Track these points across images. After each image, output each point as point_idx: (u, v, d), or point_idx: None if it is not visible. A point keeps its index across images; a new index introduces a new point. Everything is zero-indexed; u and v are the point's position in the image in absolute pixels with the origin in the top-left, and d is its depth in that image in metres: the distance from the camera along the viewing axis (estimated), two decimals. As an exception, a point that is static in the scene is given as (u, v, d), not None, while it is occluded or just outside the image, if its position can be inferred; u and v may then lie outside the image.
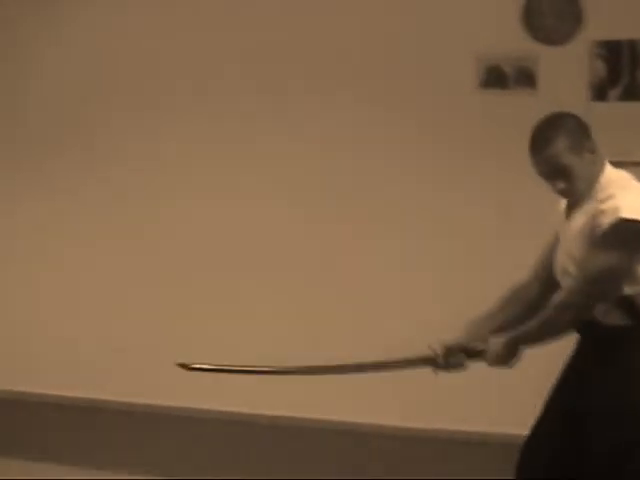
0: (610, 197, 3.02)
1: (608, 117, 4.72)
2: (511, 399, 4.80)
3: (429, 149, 5.24)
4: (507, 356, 3.17)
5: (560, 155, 3.06)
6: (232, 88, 5.47)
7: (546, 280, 3.34)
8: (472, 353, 3.27)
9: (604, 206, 3.01)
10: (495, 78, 5.10)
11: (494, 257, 5.03)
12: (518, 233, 4.97)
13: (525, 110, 5.01)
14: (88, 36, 5.71)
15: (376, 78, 5.27)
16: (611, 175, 3.13)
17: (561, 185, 3.10)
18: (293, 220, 5.40)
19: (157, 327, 5.52)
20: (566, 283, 3.13)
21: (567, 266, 3.14)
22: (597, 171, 3.13)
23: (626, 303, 3.02)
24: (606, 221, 2.98)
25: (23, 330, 5.84)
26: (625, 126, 4.78)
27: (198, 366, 3.54)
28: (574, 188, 3.11)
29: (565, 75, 4.98)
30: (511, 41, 5.04)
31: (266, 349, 4.91)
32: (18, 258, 5.92)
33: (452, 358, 3.29)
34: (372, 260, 5.31)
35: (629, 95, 4.91)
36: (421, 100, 5.21)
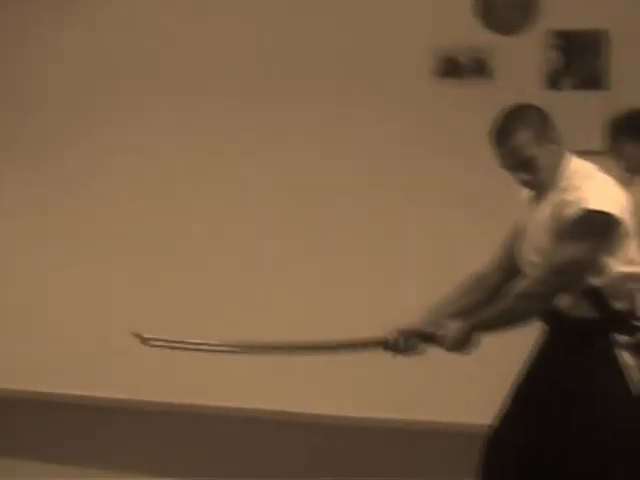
0: (575, 188, 3.03)
1: (562, 106, 4.75)
2: (474, 389, 4.84)
3: (386, 140, 5.24)
4: (465, 342, 3.16)
5: (524, 147, 3.06)
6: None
7: (508, 268, 3.35)
8: (428, 337, 3.26)
9: (570, 197, 3.01)
10: (451, 68, 5.12)
11: (455, 247, 5.06)
12: (477, 222, 5.00)
13: (481, 100, 5.05)
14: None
15: (333, 70, 5.28)
16: (575, 166, 3.14)
17: (525, 177, 3.11)
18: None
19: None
20: (530, 273, 3.14)
21: (531, 257, 3.14)
22: (560, 162, 3.13)
23: (593, 295, 3.04)
24: (572, 212, 2.98)
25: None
26: (579, 115, 4.81)
27: (151, 336, 3.51)
28: (538, 179, 3.12)
29: (520, 65, 5.01)
30: (466, 31, 5.06)
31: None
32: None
33: (407, 341, 3.28)
34: (340, 259, 5.34)
35: (582, 84, 4.96)
36: (377, 91, 5.22)
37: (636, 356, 3.05)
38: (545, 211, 3.12)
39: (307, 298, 5.35)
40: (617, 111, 4.40)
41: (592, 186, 3.03)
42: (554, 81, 4.98)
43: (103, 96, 5.63)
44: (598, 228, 2.98)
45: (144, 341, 3.50)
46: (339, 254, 5.32)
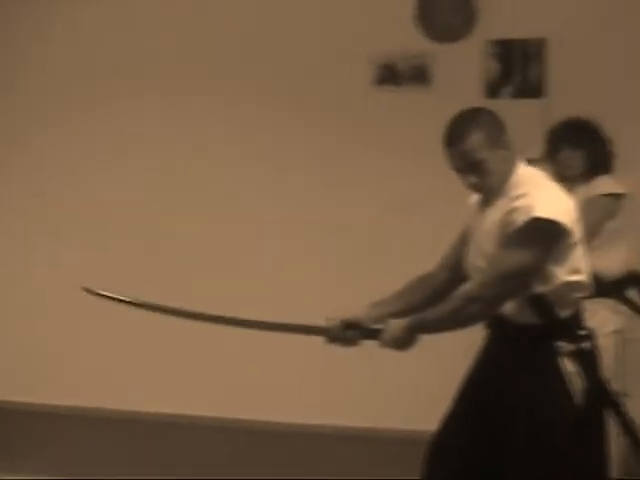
0: (524, 195, 3.01)
1: (501, 114, 4.77)
2: (416, 395, 4.84)
3: (324, 145, 5.24)
4: (404, 340, 3.13)
5: (474, 150, 3.04)
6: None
7: (453, 271, 3.34)
8: (368, 332, 3.24)
9: (518, 204, 2.99)
10: (389, 76, 5.12)
11: (392, 248, 5.08)
12: (415, 224, 5.03)
13: (419, 107, 5.08)
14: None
15: (272, 77, 5.27)
16: (524, 173, 3.14)
17: (473, 180, 3.10)
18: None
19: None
20: (475, 277, 3.14)
21: (478, 261, 3.13)
22: (510, 168, 3.11)
23: (538, 302, 3.04)
24: (520, 219, 2.97)
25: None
26: (518, 123, 4.80)
27: (102, 292, 3.50)
28: (486, 183, 3.11)
29: (458, 73, 5.02)
30: (406, 39, 5.06)
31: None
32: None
33: (347, 332, 3.26)
34: (273, 257, 5.35)
35: (521, 93, 4.99)
36: (317, 99, 5.21)
37: (578, 363, 3.06)
38: (493, 217, 3.11)
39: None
40: (555, 119, 4.43)
41: (541, 194, 3.03)
42: (493, 89, 5.01)
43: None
44: (545, 236, 2.98)
45: (95, 294, 3.50)
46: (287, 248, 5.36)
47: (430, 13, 5.04)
